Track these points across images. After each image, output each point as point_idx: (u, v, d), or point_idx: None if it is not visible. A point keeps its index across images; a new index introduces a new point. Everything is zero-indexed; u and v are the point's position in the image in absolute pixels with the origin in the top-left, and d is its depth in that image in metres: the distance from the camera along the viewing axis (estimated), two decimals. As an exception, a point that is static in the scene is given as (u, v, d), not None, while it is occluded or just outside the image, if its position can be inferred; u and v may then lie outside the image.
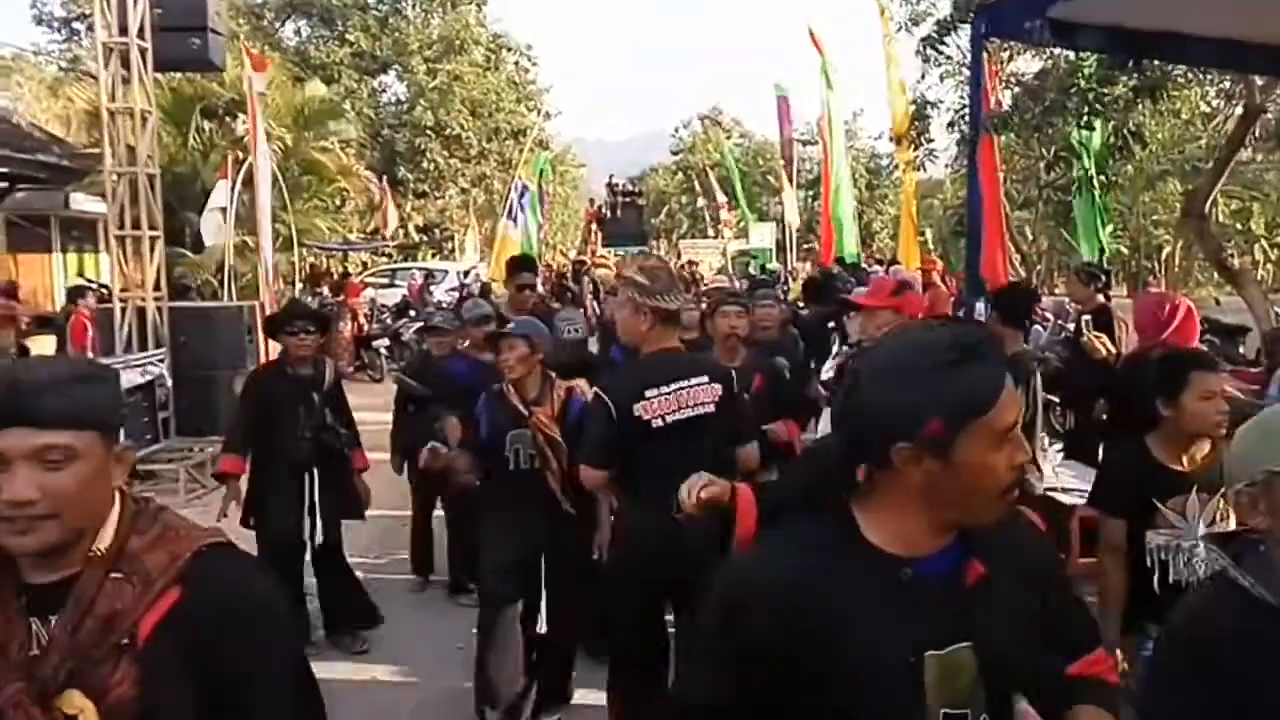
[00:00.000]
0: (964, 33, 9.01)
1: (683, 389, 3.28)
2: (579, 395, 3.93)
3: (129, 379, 8.12)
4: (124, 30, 8.62)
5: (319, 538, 4.68)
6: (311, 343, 4.70)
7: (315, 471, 4.65)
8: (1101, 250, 10.12)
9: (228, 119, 13.73)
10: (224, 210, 10.34)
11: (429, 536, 5.88)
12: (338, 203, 17.11)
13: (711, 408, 3.33)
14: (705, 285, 8.42)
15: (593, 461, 3.34)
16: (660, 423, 3.24)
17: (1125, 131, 8.64)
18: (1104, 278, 7.26)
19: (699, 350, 4.62)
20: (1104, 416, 5.52)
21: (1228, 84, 14.36)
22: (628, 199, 29.57)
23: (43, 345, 12.14)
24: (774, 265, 24.81)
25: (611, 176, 31.98)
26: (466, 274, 19.86)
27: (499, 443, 3.87)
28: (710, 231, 43.65)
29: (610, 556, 3.67)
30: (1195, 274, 24.95)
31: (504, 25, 35.22)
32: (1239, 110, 10.37)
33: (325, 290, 17.82)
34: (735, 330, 4.37)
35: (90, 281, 14.07)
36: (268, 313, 9.04)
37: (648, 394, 3.25)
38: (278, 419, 4.62)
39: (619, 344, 4.70)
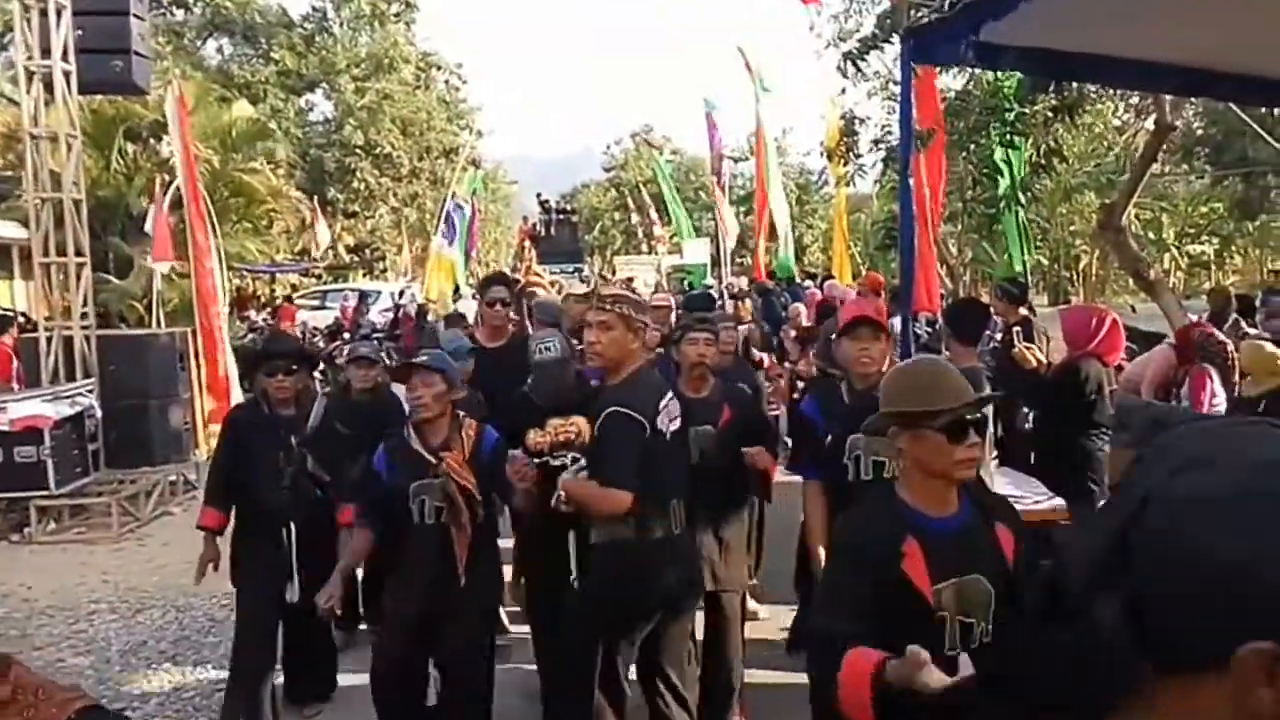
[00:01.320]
0: (889, 50, 9.28)
1: (671, 400, 3.41)
2: (488, 433, 3.63)
3: (58, 410, 7.88)
4: (46, 52, 8.39)
5: (293, 596, 4.14)
6: (292, 384, 4.26)
7: (293, 525, 4.17)
8: (1024, 264, 10.49)
9: (152, 140, 13.40)
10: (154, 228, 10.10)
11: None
12: (266, 224, 16.79)
13: (681, 419, 3.46)
14: (649, 302, 8.30)
15: (630, 485, 3.16)
16: (667, 434, 3.33)
17: (1045, 148, 9.00)
18: (1023, 291, 7.57)
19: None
20: (1028, 425, 5.75)
21: (1136, 100, 15.06)
22: (561, 216, 29.60)
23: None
24: (709, 280, 25.08)
25: (540, 194, 32.00)
26: (401, 294, 19.64)
27: (402, 495, 3.50)
28: (645, 248, 43.91)
29: (595, 579, 3.42)
30: (1112, 283, 25.96)
31: (433, 44, 35.10)
32: (1149, 124, 10.90)
33: (253, 314, 17.48)
34: (704, 358, 4.08)
35: (9, 310, 13.56)
36: (218, 334, 8.86)
37: (660, 406, 3.31)
38: (255, 466, 4.21)
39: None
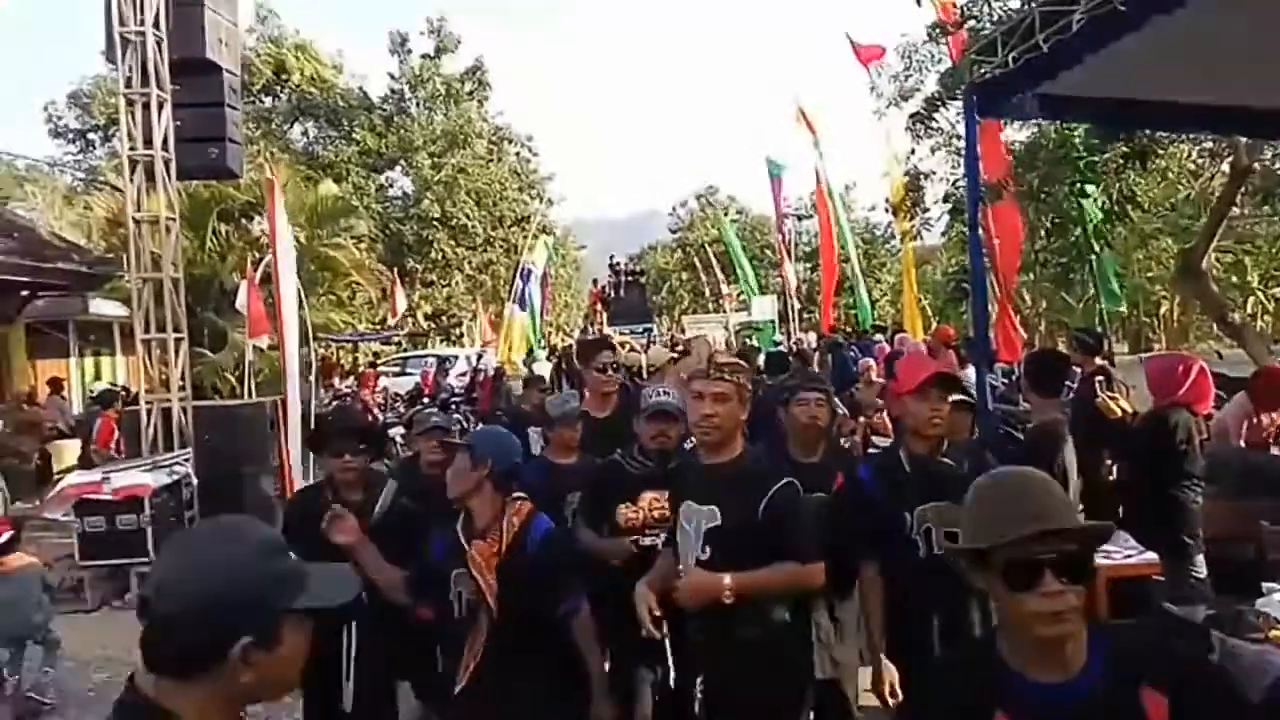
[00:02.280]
0: (953, 107, 9.35)
1: None
2: (539, 522, 3.15)
3: (157, 479, 8.25)
4: (148, 142, 9.00)
5: (346, 704, 3.63)
6: (359, 465, 3.81)
7: (353, 626, 3.64)
8: (1101, 313, 10.30)
9: (243, 220, 14.14)
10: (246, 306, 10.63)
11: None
12: (349, 295, 17.45)
13: None
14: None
15: (821, 557, 2.91)
16: None
17: (1119, 195, 8.91)
18: (1099, 340, 7.44)
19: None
20: (1111, 477, 5.60)
21: (1210, 143, 14.77)
22: (630, 278, 29.97)
23: (66, 450, 12.29)
24: (777, 336, 25.05)
25: (613, 257, 32.50)
26: (479, 358, 20.07)
27: (444, 581, 3.15)
28: (712, 306, 44.07)
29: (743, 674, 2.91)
30: (1195, 329, 25.16)
31: (505, 118, 36.29)
32: (1225, 167, 10.70)
33: (337, 382, 18.05)
34: (817, 420, 3.74)
35: (114, 386, 14.30)
36: (289, 407, 9.20)
37: None
38: (316, 556, 3.65)
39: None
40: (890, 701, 3.06)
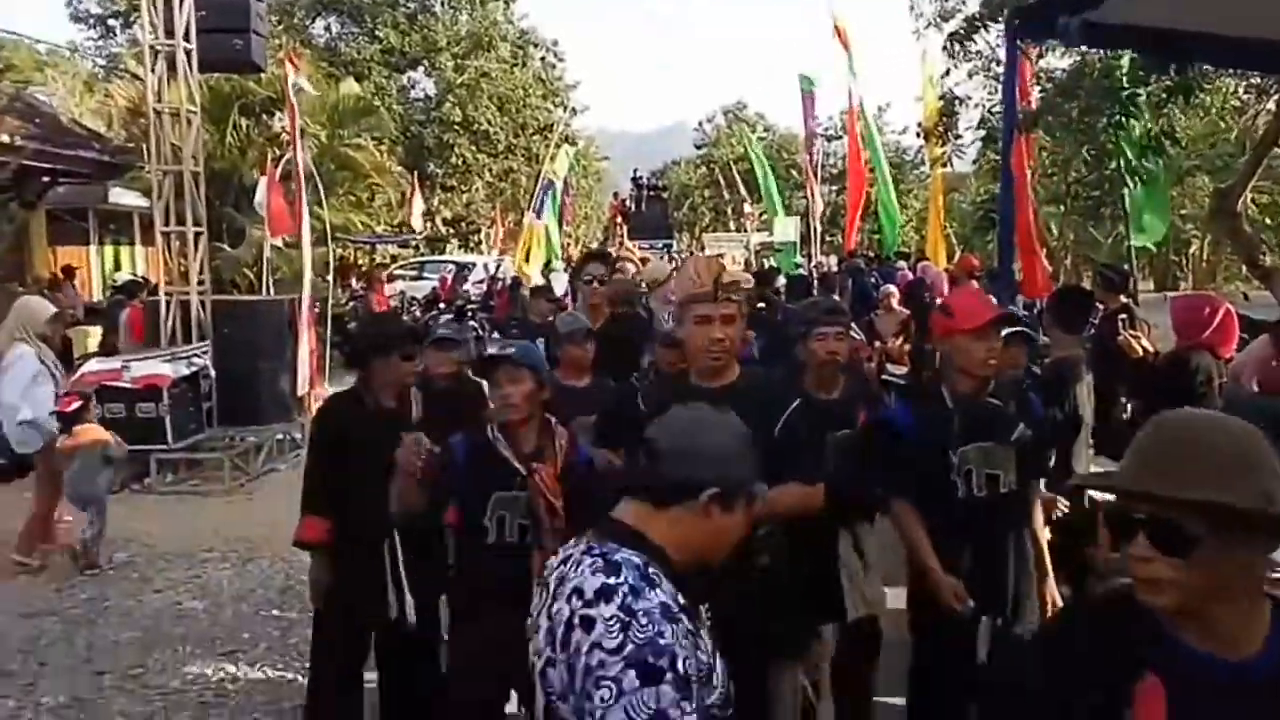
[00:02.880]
0: (993, 29, 9.05)
1: None
2: (583, 446, 3.10)
3: (175, 370, 8.37)
4: (170, 33, 8.84)
5: (393, 612, 3.57)
6: (410, 370, 3.75)
7: (396, 537, 3.58)
8: (1157, 231, 10.10)
9: (264, 116, 13.95)
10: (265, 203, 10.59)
11: None
12: (369, 198, 17.34)
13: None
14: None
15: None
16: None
17: (1158, 130, 8.67)
18: (1124, 278, 7.33)
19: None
20: (1125, 416, 5.59)
21: (1258, 79, 14.29)
22: (652, 193, 29.67)
23: (87, 336, 12.43)
24: (798, 259, 24.82)
25: (636, 170, 32.09)
26: (498, 266, 20.04)
27: (478, 508, 2.93)
28: (733, 225, 43.60)
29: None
30: (1223, 269, 24.76)
31: (530, 21, 35.41)
32: (1270, 105, 10.36)
33: (354, 283, 18.09)
34: (836, 355, 3.50)
35: (137, 277, 14.39)
36: (304, 307, 9.25)
37: None
38: (357, 467, 3.50)
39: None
40: (958, 607, 3.00)
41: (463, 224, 32.78)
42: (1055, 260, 14.67)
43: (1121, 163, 8.77)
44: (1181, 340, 4.82)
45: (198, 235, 9.14)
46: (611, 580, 1.51)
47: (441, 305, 17.29)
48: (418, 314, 16.53)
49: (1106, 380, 5.23)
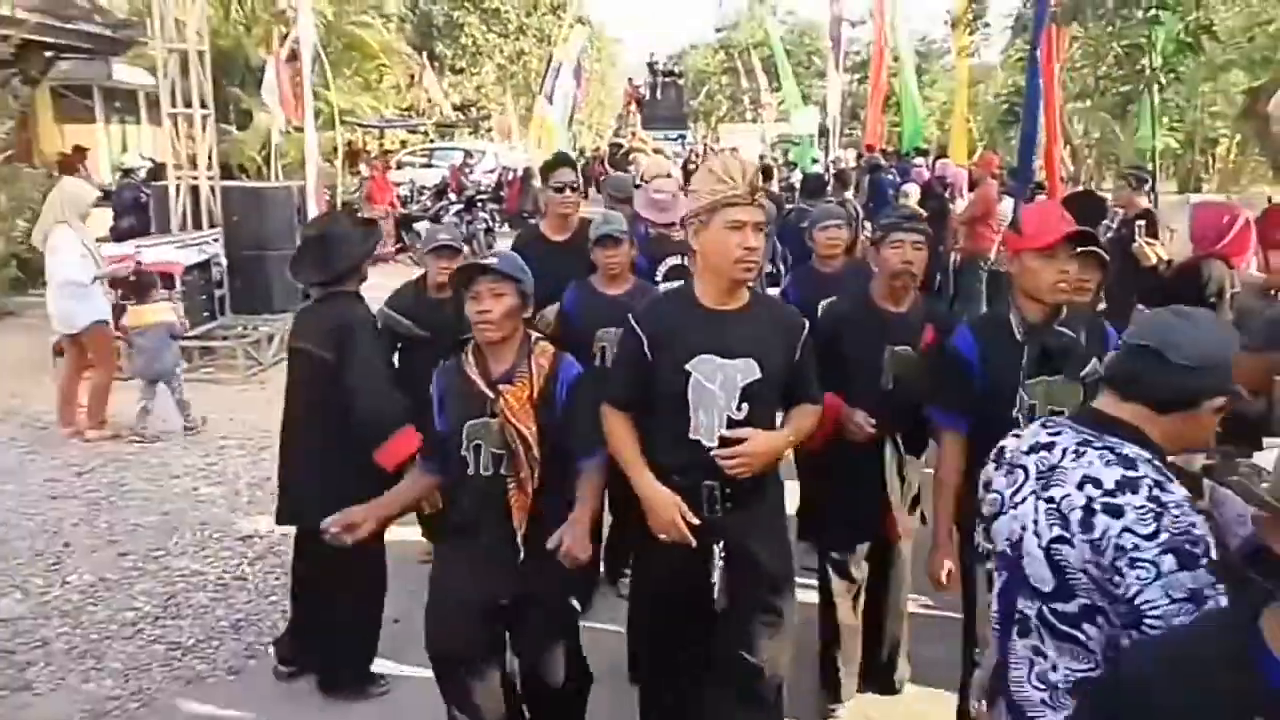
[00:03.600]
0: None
1: None
2: (567, 364, 2.75)
3: (187, 257, 8.35)
4: (172, -100, 8.49)
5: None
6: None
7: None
8: (1154, 147, 9.88)
9: (269, -9, 13.57)
10: (273, 87, 10.37)
11: None
12: (377, 79, 16.92)
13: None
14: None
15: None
16: None
17: (1196, 25, 8.33)
18: (1150, 181, 7.17)
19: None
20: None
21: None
22: (668, 79, 28.94)
23: (94, 218, 12.33)
24: (815, 153, 24.32)
25: (652, 55, 31.22)
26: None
27: (455, 438, 2.69)
28: (750, 116, 42.58)
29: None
30: (1249, 172, 24.17)
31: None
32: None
33: (363, 168, 17.84)
34: (911, 265, 3.25)
35: (143, 158, 14.23)
36: (311, 192, 9.15)
37: None
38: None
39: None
40: (941, 583, 2.87)
41: (473, 109, 32.07)
42: (1079, 159, 14.31)
43: (1152, 60, 8.45)
44: (1197, 249, 4.76)
45: (205, 118, 8.99)
46: (1131, 474, 1.65)
47: (452, 195, 17.09)
48: (428, 203, 16.36)
49: (1121, 287, 5.18)
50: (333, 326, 3.37)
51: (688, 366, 2.49)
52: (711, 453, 2.48)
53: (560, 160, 4.70)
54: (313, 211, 9.07)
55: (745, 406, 2.50)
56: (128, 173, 13.97)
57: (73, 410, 6.64)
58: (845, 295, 3.65)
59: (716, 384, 2.49)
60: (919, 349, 3.23)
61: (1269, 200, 7.47)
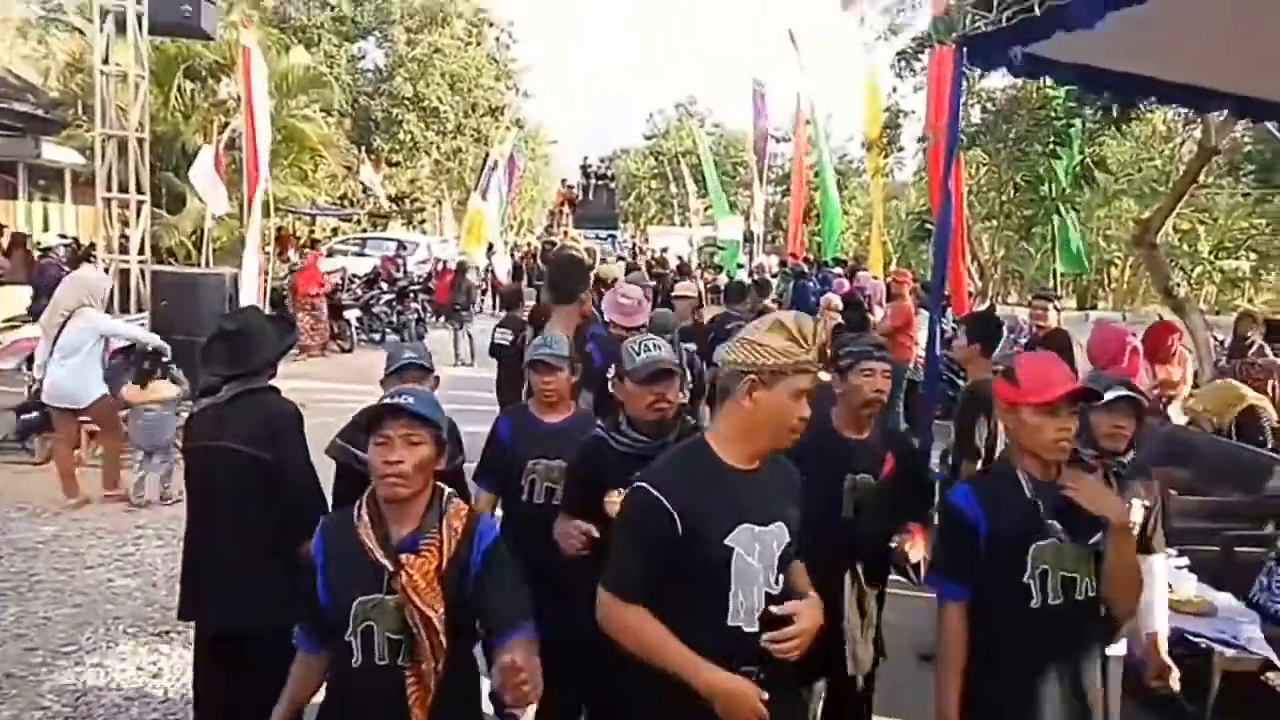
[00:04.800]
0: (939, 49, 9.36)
1: None
2: (485, 526, 2.28)
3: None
4: (120, -9, 8.65)
5: None
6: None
7: None
8: (1081, 263, 10.58)
9: (210, 80, 13.68)
10: (209, 174, 10.42)
11: None
12: (313, 169, 17.08)
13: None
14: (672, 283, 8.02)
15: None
16: None
17: (1090, 160, 9.10)
18: (1058, 299, 7.73)
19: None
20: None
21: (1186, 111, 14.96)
22: (600, 181, 29.74)
23: (13, 296, 12.05)
24: (740, 259, 25.14)
25: (585, 157, 32.11)
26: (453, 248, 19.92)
27: (340, 617, 2.18)
28: (678, 219, 43.80)
29: None
30: (1142, 293, 25.81)
31: (486, 0, 35.09)
32: (1197, 133, 10.96)
33: (293, 254, 17.81)
34: (881, 395, 3.17)
35: (64, 237, 13.98)
36: (251, 281, 9.16)
37: None
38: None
39: None
40: None
41: (407, 201, 32.37)
42: (985, 275, 15.20)
43: (1053, 189, 9.18)
44: (1096, 366, 5.14)
45: (140, 204, 8.98)
46: None
47: (384, 284, 17.15)
48: (359, 292, 16.39)
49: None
50: (266, 423, 3.25)
51: (728, 541, 2.14)
52: (762, 639, 2.14)
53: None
54: (252, 297, 9.06)
55: (780, 578, 2.21)
56: (46, 252, 13.74)
57: (74, 482, 6.95)
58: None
59: (754, 556, 2.16)
60: (879, 477, 3.11)
61: (1159, 318, 8.16)
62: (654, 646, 2.14)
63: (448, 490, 2.29)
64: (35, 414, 7.47)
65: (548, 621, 2.29)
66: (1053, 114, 8.10)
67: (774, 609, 2.15)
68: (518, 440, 3.42)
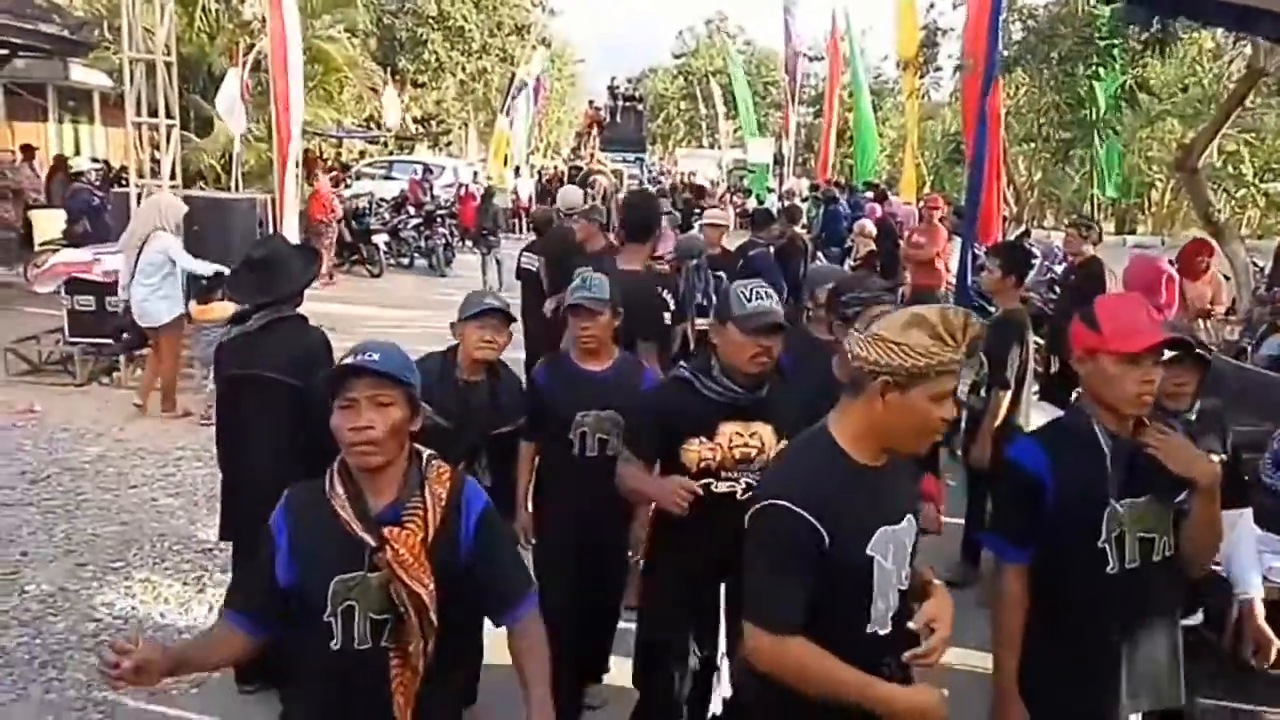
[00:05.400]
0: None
1: None
2: (471, 492, 2.06)
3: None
4: (145, -91, 8.51)
5: None
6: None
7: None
8: (1119, 189, 10.36)
9: (234, 1, 13.50)
10: (233, 98, 10.38)
11: None
12: (339, 90, 16.92)
13: None
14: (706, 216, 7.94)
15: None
16: None
17: (1133, 82, 8.83)
18: (1097, 229, 7.59)
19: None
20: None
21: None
22: (629, 104, 29.25)
23: (48, 220, 12.20)
24: (769, 182, 24.81)
25: (614, 78, 31.52)
26: (474, 176, 19.85)
27: (317, 596, 1.95)
28: (707, 141, 43.14)
29: None
30: (1183, 216, 25.22)
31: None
32: (1247, 49, 10.58)
33: (321, 178, 17.78)
34: None
35: (95, 160, 14.04)
36: (284, 206, 9.19)
37: None
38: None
39: None
40: None
41: (433, 123, 32.07)
42: (1021, 199, 14.88)
43: (1093, 112, 8.93)
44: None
45: (170, 128, 8.97)
46: None
47: (410, 208, 17.13)
48: (386, 216, 16.39)
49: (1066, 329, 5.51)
50: (296, 350, 3.38)
51: (870, 550, 1.96)
52: (904, 656, 1.94)
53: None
54: (293, 224, 9.13)
55: (906, 574, 2.06)
56: (77, 175, 13.82)
57: (168, 395, 7.38)
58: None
59: (890, 558, 1.99)
60: None
61: (1195, 240, 8.05)
62: (822, 674, 1.92)
63: (426, 452, 2.06)
64: (128, 336, 7.63)
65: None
66: (1098, 33, 7.84)
67: (912, 625, 1.96)
68: (559, 392, 3.31)
